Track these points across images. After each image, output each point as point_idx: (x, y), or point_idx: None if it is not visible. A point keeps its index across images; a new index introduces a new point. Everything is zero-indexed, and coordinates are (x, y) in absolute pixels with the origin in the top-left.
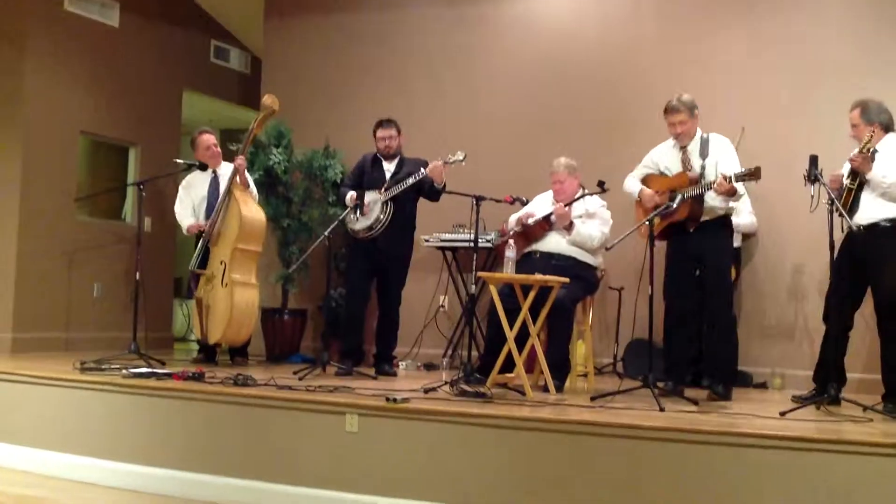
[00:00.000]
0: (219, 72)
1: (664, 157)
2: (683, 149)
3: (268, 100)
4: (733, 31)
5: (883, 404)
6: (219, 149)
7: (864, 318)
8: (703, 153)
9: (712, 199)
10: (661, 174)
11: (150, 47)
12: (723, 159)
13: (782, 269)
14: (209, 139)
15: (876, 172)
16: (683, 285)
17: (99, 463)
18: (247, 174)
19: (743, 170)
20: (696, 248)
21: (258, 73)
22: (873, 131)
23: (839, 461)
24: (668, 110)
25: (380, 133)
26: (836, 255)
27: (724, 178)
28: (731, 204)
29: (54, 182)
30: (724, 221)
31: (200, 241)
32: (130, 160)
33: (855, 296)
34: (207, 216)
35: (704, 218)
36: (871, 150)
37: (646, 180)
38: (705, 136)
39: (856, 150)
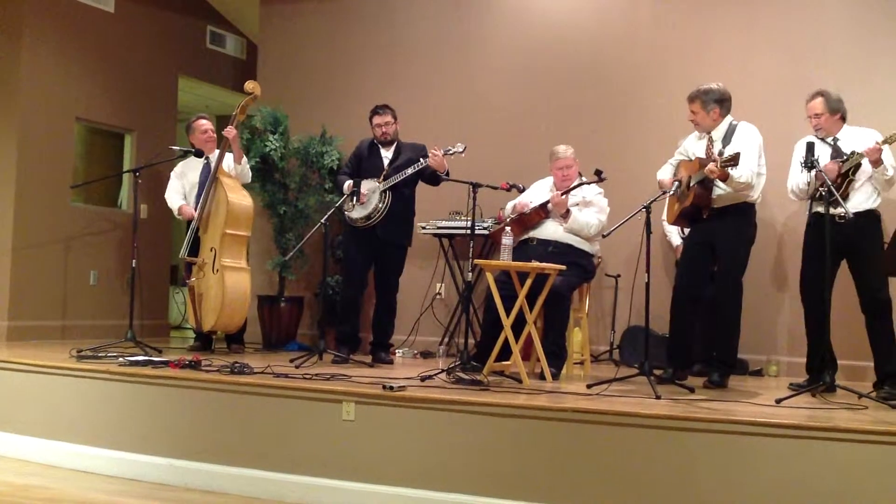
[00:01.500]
0: (215, 57)
1: (692, 144)
2: (709, 136)
3: (249, 85)
4: (730, 17)
5: (876, 392)
6: (214, 135)
7: (851, 305)
8: (727, 140)
9: (720, 186)
10: (691, 160)
11: (145, 33)
12: (740, 148)
13: (778, 257)
14: (205, 124)
15: (886, 165)
16: (695, 272)
17: (96, 451)
18: (240, 148)
19: (727, 155)
20: (710, 235)
21: (254, 59)
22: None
23: (834, 448)
24: (688, 99)
25: (376, 120)
26: (805, 241)
27: (714, 161)
28: (750, 192)
29: (50, 169)
30: (741, 210)
31: (189, 229)
32: (126, 147)
33: (831, 279)
34: (198, 202)
35: (719, 205)
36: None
37: (678, 167)
38: (735, 123)
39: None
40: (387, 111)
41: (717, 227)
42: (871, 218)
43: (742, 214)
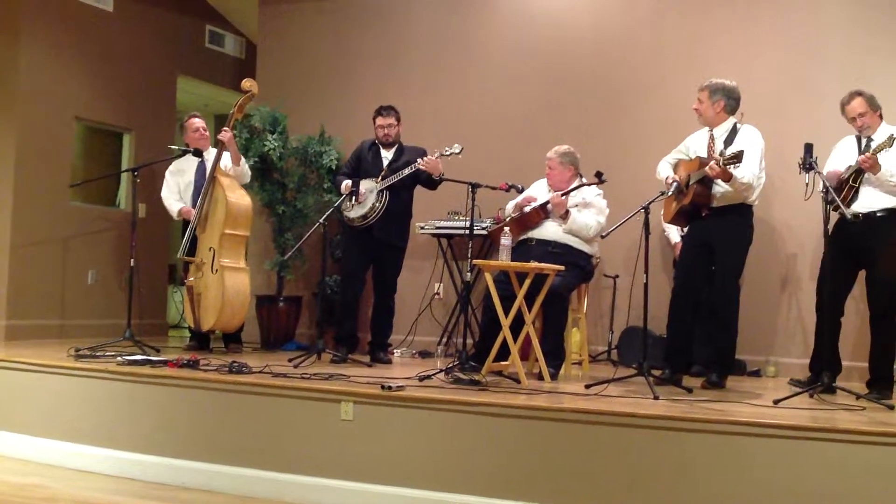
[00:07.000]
0: (214, 57)
1: (695, 142)
2: (711, 135)
3: (247, 83)
4: (729, 18)
5: (868, 391)
6: (207, 132)
7: (857, 305)
8: (729, 141)
9: (721, 185)
10: (690, 159)
11: (144, 32)
12: (743, 147)
13: (777, 257)
14: (198, 122)
15: (884, 171)
16: (692, 273)
17: (94, 451)
18: (236, 147)
19: (729, 154)
20: (707, 235)
21: (253, 59)
22: None
23: (831, 449)
24: (699, 88)
25: (379, 121)
26: (826, 245)
27: (716, 160)
28: (748, 194)
29: (48, 168)
30: (739, 210)
31: (188, 228)
32: (125, 146)
33: (846, 284)
34: (194, 201)
35: (719, 204)
36: (871, 139)
37: (677, 165)
38: (739, 126)
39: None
40: (391, 113)
41: (715, 226)
42: (887, 217)
43: (740, 215)
